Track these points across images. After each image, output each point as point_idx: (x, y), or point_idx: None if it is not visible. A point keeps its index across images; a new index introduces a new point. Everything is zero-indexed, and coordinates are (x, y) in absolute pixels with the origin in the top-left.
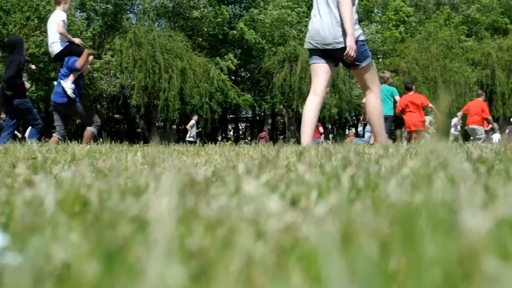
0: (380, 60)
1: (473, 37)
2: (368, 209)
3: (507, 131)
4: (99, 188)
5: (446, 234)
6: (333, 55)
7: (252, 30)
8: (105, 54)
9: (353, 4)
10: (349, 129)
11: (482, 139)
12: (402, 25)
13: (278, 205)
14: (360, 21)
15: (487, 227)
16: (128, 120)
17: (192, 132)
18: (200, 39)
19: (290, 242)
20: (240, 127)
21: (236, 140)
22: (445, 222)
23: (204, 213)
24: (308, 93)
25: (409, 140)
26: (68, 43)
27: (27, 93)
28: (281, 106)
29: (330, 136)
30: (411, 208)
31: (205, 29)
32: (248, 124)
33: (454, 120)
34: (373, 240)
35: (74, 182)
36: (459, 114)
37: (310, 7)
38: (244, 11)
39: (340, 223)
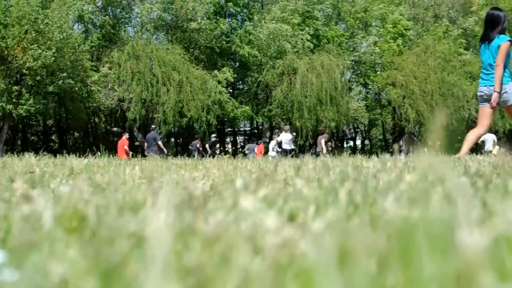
0: (378, 73)
1: (471, 50)
2: (366, 225)
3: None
4: (96, 203)
5: (443, 251)
6: None
7: (246, 45)
8: (103, 66)
9: None
10: (347, 142)
11: None
12: (400, 38)
13: (276, 221)
14: (357, 34)
15: (484, 244)
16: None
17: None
18: (198, 51)
19: (287, 258)
20: (238, 140)
21: (234, 154)
22: (443, 239)
23: (201, 229)
24: (307, 106)
25: None
26: None
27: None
28: (279, 119)
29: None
30: (409, 224)
31: (203, 41)
32: (246, 137)
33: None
34: (370, 256)
35: (72, 197)
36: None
37: (305, 19)
38: (241, 24)
39: (337, 239)
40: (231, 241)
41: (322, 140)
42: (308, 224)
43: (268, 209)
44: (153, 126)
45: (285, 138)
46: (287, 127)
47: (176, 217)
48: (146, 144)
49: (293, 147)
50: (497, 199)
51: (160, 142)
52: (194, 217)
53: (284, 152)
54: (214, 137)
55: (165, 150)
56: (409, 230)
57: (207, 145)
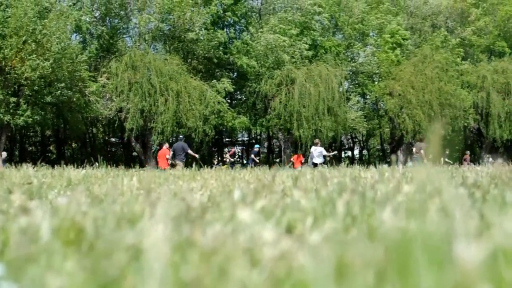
0: (376, 82)
1: (469, 60)
2: (364, 237)
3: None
4: (94, 215)
5: (441, 264)
6: None
7: (244, 56)
8: (101, 77)
9: None
10: (344, 152)
11: None
12: (398, 48)
13: (273, 233)
14: (354, 44)
15: (481, 257)
16: (124, 143)
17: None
18: (196, 62)
19: (285, 270)
20: (237, 150)
21: (232, 164)
22: (440, 252)
23: (199, 241)
24: (306, 116)
25: None
26: None
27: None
28: (277, 130)
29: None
30: (406, 236)
31: (200, 51)
32: (244, 148)
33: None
34: (368, 269)
35: (70, 209)
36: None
37: (302, 30)
38: (239, 34)
39: (335, 251)
40: (229, 253)
41: (422, 150)
42: (305, 236)
43: (265, 221)
44: (181, 136)
45: (316, 151)
46: (317, 140)
47: (173, 229)
48: (172, 152)
49: (322, 160)
50: (494, 210)
51: (190, 151)
52: (192, 229)
53: (314, 166)
54: (258, 147)
55: (197, 156)
56: (406, 242)
57: (252, 155)
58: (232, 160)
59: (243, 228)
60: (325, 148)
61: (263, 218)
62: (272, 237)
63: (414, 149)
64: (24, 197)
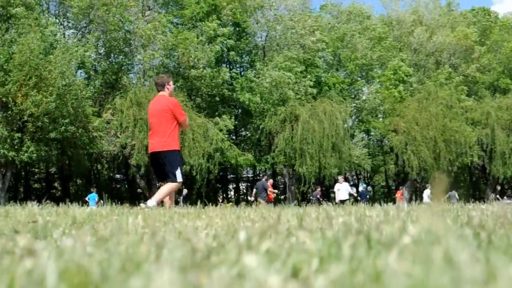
0: (380, 119)
1: (473, 96)
2: (369, 282)
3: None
4: (100, 258)
5: None
6: None
7: (247, 93)
8: (106, 113)
9: None
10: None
11: None
12: (401, 85)
13: (278, 278)
14: (357, 80)
15: None
16: (129, 180)
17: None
18: (199, 99)
19: None
20: (241, 187)
21: (237, 202)
22: None
23: (205, 286)
24: (310, 152)
25: None
26: None
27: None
28: (282, 166)
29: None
30: (412, 282)
31: (204, 89)
32: (249, 184)
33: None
34: None
35: (75, 251)
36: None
37: (307, 67)
38: (243, 71)
39: None
40: None
41: None
42: (311, 279)
43: (271, 264)
44: (262, 175)
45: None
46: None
47: (179, 272)
48: (254, 190)
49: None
50: (500, 251)
51: (269, 188)
52: (198, 273)
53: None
54: (364, 187)
55: (275, 191)
56: None
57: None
58: (320, 199)
59: (249, 271)
60: (327, 186)
61: (268, 261)
62: (277, 281)
63: None
64: (29, 236)
